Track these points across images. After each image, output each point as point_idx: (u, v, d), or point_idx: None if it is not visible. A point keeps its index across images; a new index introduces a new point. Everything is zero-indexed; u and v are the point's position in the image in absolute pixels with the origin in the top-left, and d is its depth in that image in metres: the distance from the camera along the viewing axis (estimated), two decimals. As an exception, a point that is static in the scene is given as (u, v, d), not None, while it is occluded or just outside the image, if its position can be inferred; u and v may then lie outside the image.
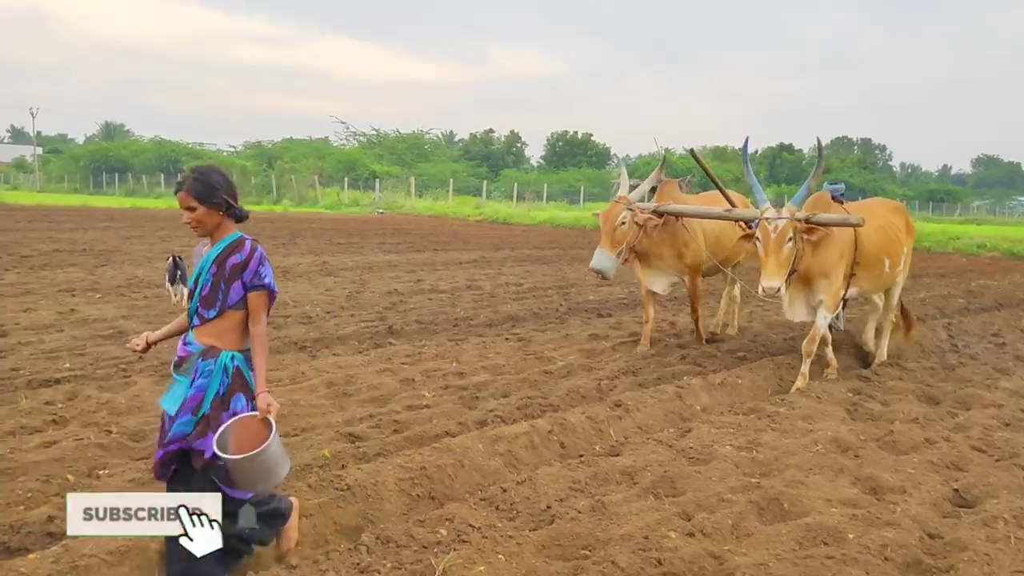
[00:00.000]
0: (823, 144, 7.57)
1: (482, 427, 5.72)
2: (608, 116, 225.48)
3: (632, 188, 8.59)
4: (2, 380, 6.64)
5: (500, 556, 3.69)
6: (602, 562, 3.67)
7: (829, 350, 7.97)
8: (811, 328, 7.40)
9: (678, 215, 8.42)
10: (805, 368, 7.30)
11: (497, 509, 4.25)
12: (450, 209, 41.68)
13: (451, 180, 50.20)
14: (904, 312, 8.84)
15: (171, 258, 10.79)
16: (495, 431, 5.45)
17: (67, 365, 7.29)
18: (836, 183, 8.74)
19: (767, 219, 6.66)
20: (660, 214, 8.32)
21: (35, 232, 21.87)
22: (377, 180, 51.95)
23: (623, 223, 8.14)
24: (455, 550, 3.70)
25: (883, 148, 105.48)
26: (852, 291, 7.72)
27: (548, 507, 4.27)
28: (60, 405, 6.07)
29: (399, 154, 63.81)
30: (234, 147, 72.26)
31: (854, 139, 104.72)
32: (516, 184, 51.34)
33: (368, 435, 5.50)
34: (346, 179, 53.12)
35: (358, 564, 3.58)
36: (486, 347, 8.72)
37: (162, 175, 59.03)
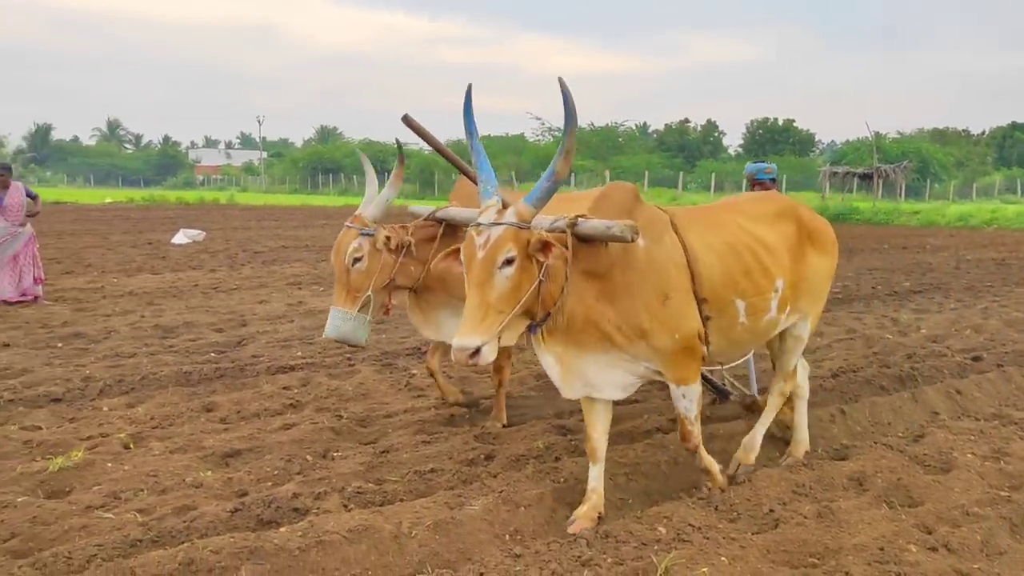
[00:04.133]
0: (565, 87, 3.52)
1: (694, 424, 5.59)
2: (811, 101, 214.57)
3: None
4: (246, 366, 7.32)
5: (723, 558, 3.59)
6: (834, 572, 3.48)
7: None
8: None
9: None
10: (704, 464, 4.38)
11: (716, 510, 4.14)
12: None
13: (646, 172, 49.75)
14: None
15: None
16: (710, 428, 5.31)
17: (299, 353, 7.91)
18: (762, 163, 6.69)
19: (478, 226, 3.62)
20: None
21: (264, 230, 23.93)
22: (572, 174, 52.40)
23: (357, 258, 4.92)
24: (676, 549, 3.64)
25: None
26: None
27: (771, 510, 4.11)
28: (295, 390, 6.59)
29: (593, 148, 63.96)
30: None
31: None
32: (714, 174, 50.00)
33: (579, 428, 5.54)
34: (541, 175, 53.98)
35: (579, 557, 3.60)
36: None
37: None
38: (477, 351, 3.44)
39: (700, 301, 4.06)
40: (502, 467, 4.85)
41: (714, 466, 4.42)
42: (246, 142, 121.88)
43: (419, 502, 4.22)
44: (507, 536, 4.00)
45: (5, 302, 10.36)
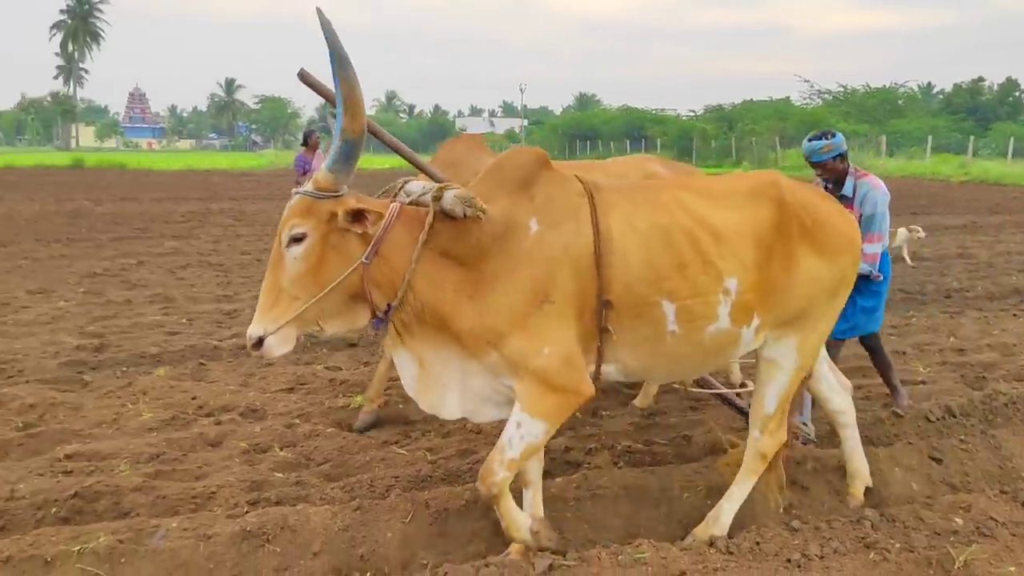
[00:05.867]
0: (325, 21, 2.81)
1: (991, 410, 5.08)
2: None
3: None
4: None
5: (1034, 559, 3.25)
6: None
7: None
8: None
9: None
10: (502, 518, 3.30)
11: (1023, 505, 3.75)
12: (927, 168, 37.60)
13: (929, 137, 45.25)
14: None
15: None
16: (1010, 413, 4.81)
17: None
18: (823, 136, 4.73)
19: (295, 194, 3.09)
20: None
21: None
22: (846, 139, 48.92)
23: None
24: (976, 543, 3.35)
25: None
26: (609, 370, 3.38)
27: (1093, 513, 3.65)
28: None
29: (868, 111, 59.11)
30: (694, 111, 73.55)
31: None
32: (1012, 139, 44.40)
33: (858, 406, 5.22)
34: (808, 139, 51.01)
35: (863, 539, 3.43)
36: (988, 323, 7.73)
37: (627, 141, 62.52)
38: (259, 342, 3.01)
39: (603, 305, 3.17)
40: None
41: (517, 522, 3.25)
42: (508, 110, 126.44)
43: (689, 466, 4.21)
44: (781, 509, 3.89)
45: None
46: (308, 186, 3.04)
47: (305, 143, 10.33)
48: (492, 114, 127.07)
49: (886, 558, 3.28)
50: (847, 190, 4.79)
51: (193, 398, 5.56)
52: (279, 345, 3.04)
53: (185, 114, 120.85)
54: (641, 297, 3.22)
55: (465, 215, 3.01)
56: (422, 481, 4.19)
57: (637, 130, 64.19)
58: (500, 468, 3.17)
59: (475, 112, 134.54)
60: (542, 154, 3.39)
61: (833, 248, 3.48)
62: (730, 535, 3.48)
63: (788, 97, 68.55)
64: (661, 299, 3.24)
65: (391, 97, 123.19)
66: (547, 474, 4.25)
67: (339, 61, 2.86)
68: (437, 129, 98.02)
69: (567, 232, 3.17)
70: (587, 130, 69.91)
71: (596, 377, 3.30)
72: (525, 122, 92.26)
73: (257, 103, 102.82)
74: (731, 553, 3.28)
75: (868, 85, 63.72)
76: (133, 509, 3.92)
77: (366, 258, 3.06)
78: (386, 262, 3.10)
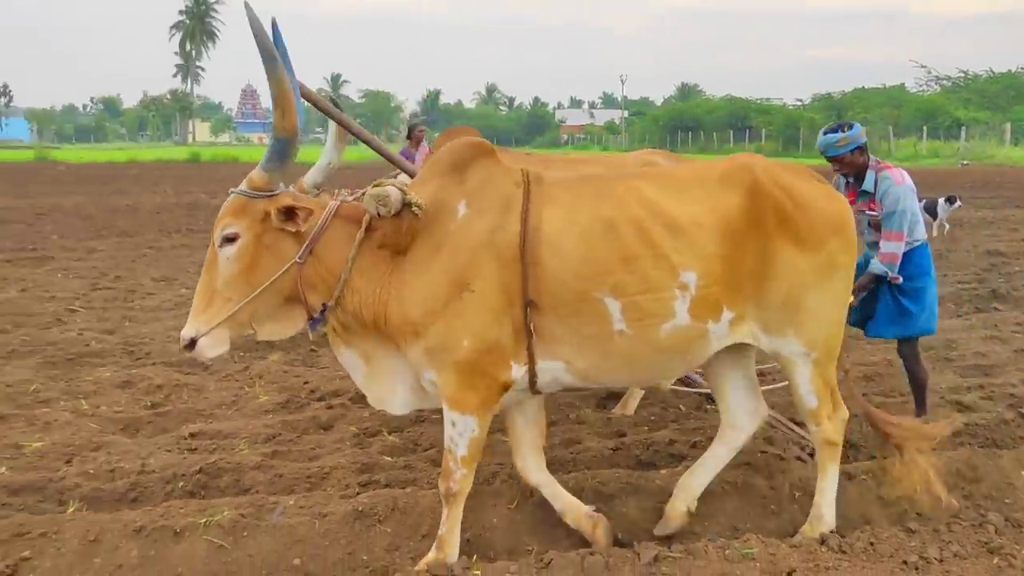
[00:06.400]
0: (253, 16, 2.80)
1: None
2: None
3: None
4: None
5: None
6: None
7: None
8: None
9: None
10: (443, 525, 3.34)
11: None
12: (1055, 158, 35.39)
13: (1058, 124, 42.49)
14: None
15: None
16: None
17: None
18: (839, 129, 4.44)
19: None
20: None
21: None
22: (963, 128, 46.48)
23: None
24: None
25: None
26: (546, 368, 3.18)
27: None
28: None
29: (991, 97, 55.95)
30: (801, 100, 71.28)
31: None
32: None
33: (979, 406, 5.01)
34: (924, 128, 48.62)
35: (986, 543, 3.31)
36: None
37: (731, 132, 61.15)
38: (192, 343, 3.00)
39: (527, 304, 3.02)
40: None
41: (452, 543, 3.27)
42: (608, 101, 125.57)
43: (796, 464, 4.12)
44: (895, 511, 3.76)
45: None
46: (243, 185, 3.01)
47: (409, 136, 10.51)
48: (592, 105, 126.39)
49: (1012, 564, 3.14)
50: (868, 185, 4.52)
51: (305, 383, 5.78)
52: (211, 347, 3.02)
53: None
54: (579, 294, 3.05)
55: (379, 213, 2.90)
56: (527, 468, 4.24)
57: (741, 120, 62.71)
58: (456, 467, 3.23)
59: (575, 104, 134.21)
60: (484, 144, 3.32)
61: (818, 233, 3.22)
62: (842, 534, 3.39)
63: (903, 84, 65.69)
64: (603, 296, 3.06)
65: (491, 90, 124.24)
66: (651, 465, 4.26)
67: (267, 58, 2.83)
68: (536, 122, 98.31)
69: (494, 220, 3.06)
70: (689, 121, 68.68)
71: (533, 377, 3.18)
72: (625, 113, 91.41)
73: (361, 97, 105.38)
74: (843, 552, 3.20)
75: (992, 70, 60.34)
76: (253, 486, 4.12)
77: (300, 258, 3.02)
78: (321, 261, 3.06)
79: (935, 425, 3.71)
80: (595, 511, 3.51)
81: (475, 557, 3.29)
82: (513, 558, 3.42)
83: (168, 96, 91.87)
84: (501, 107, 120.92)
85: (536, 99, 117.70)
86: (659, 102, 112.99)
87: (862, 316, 4.67)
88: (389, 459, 4.48)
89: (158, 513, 3.59)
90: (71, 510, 3.77)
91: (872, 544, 3.27)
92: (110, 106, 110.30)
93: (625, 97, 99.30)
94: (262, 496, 3.88)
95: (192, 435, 4.82)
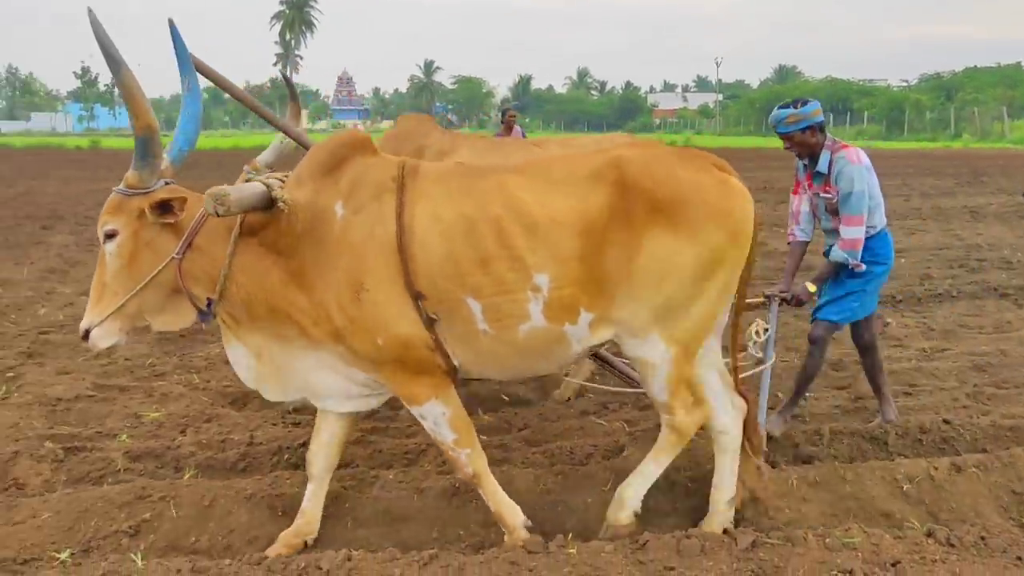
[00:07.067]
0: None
1: None
2: None
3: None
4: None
5: None
6: None
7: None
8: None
9: None
10: (493, 506, 3.41)
11: None
12: None
13: None
14: None
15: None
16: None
17: (764, 292, 7.92)
18: (793, 104, 4.26)
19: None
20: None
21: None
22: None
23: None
24: None
25: None
26: (458, 363, 3.22)
27: None
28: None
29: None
30: (907, 81, 68.40)
31: None
32: None
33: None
34: (1044, 109, 45.97)
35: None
36: None
37: (831, 115, 59.10)
38: (87, 334, 3.14)
39: (416, 297, 3.02)
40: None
41: (510, 513, 3.33)
42: (702, 85, 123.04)
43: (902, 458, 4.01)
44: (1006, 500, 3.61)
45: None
46: (120, 185, 3.11)
47: (502, 121, 10.57)
48: (685, 89, 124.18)
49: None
50: (822, 166, 4.26)
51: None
52: (103, 338, 3.16)
53: (387, 96, 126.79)
54: (445, 293, 3.04)
55: (217, 213, 2.86)
56: (619, 451, 4.24)
57: (842, 103, 60.52)
58: (456, 453, 3.28)
59: (668, 87, 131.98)
60: (360, 137, 3.29)
61: (694, 223, 3.03)
62: (951, 527, 3.26)
63: (1019, 63, 62.13)
64: (465, 296, 3.04)
65: (583, 74, 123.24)
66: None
67: (111, 64, 2.90)
68: (628, 106, 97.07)
69: (371, 218, 3.06)
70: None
71: (451, 368, 3.19)
72: (720, 97, 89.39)
73: (454, 83, 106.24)
74: (952, 545, 3.09)
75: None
76: (353, 460, 4.25)
77: (178, 253, 3.09)
78: (202, 256, 3.12)
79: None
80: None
81: (570, 536, 3.32)
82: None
83: (268, 84, 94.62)
84: (593, 92, 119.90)
85: (628, 83, 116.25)
86: (755, 85, 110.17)
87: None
88: (484, 438, 4.52)
89: (267, 482, 3.76)
90: (187, 476, 3.99)
91: (983, 538, 3.15)
92: (215, 95, 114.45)
93: (720, 80, 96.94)
94: (363, 470, 4.01)
95: (295, 410, 5.00)
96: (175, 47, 3.15)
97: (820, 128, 4.23)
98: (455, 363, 3.18)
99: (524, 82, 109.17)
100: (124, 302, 3.11)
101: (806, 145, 4.25)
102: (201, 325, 3.41)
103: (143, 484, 3.71)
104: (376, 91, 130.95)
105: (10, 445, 4.29)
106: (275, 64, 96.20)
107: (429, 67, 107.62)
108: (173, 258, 3.09)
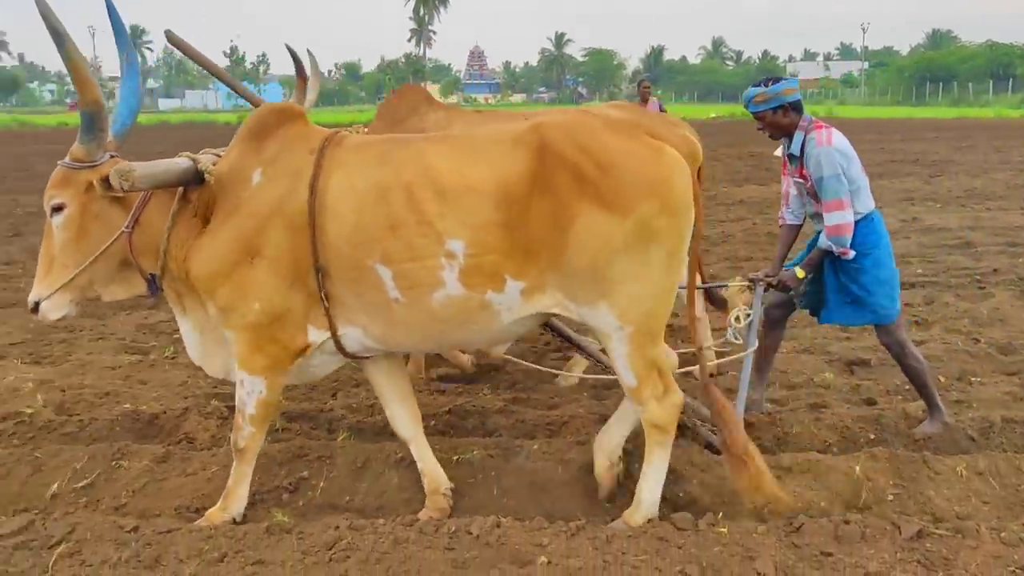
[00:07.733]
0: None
1: None
2: None
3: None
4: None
5: None
6: None
7: None
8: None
9: None
10: (230, 483, 3.42)
11: None
12: None
13: None
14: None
15: None
16: None
17: (919, 271, 7.50)
18: (764, 83, 4.03)
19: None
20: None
21: (866, 144, 22.85)
22: None
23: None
24: None
25: None
26: (347, 333, 3.21)
27: None
28: (920, 308, 6.28)
29: None
30: (1080, 44, 62.66)
31: None
32: None
33: None
34: None
35: None
36: None
37: (991, 81, 55.07)
38: (36, 307, 3.17)
39: (318, 271, 3.05)
40: None
41: (236, 497, 3.38)
42: (845, 52, 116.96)
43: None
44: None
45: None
46: (66, 158, 3.11)
47: (638, 93, 10.44)
48: (828, 57, 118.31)
49: None
50: (794, 148, 3.91)
51: (541, 334, 5.94)
52: (52, 310, 3.19)
53: (518, 69, 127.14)
54: (354, 261, 3.04)
55: (122, 188, 2.90)
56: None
57: (1003, 68, 56.29)
58: (245, 424, 3.30)
59: (808, 56, 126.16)
60: (291, 109, 3.31)
61: (626, 196, 2.91)
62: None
63: None
64: (375, 263, 3.03)
65: (718, 44, 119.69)
66: (909, 436, 3.98)
67: (54, 37, 2.83)
68: (765, 76, 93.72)
69: (284, 188, 3.08)
70: (939, 71, 62.50)
71: (338, 342, 3.23)
72: (865, 64, 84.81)
73: (584, 56, 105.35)
74: None
75: None
76: (497, 429, 4.31)
77: (127, 226, 3.15)
78: (147, 230, 3.18)
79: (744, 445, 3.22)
80: (451, 489, 3.52)
81: (720, 514, 3.24)
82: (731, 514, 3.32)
83: (403, 60, 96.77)
84: (728, 62, 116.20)
85: (765, 52, 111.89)
86: (905, 51, 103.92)
87: (814, 299, 4.12)
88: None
89: (415, 449, 3.85)
90: (341, 438, 4.15)
91: None
92: (351, 71, 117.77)
93: (866, 47, 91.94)
94: (507, 439, 4.05)
95: (439, 378, 5.12)
96: (112, 22, 3.17)
97: (794, 107, 3.98)
98: (316, 340, 3.22)
99: (656, 53, 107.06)
100: (75, 275, 3.18)
101: (778, 126, 4.01)
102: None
103: (300, 443, 3.90)
104: (507, 65, 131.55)
105: (180, 402, 4.60)
106: (409, 40, 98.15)
107: (560, 39, 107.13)
108: (123, 231, 3.18)
